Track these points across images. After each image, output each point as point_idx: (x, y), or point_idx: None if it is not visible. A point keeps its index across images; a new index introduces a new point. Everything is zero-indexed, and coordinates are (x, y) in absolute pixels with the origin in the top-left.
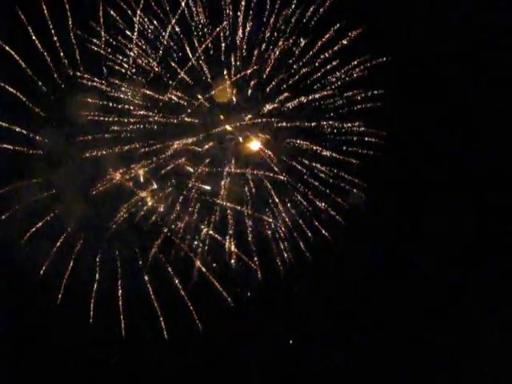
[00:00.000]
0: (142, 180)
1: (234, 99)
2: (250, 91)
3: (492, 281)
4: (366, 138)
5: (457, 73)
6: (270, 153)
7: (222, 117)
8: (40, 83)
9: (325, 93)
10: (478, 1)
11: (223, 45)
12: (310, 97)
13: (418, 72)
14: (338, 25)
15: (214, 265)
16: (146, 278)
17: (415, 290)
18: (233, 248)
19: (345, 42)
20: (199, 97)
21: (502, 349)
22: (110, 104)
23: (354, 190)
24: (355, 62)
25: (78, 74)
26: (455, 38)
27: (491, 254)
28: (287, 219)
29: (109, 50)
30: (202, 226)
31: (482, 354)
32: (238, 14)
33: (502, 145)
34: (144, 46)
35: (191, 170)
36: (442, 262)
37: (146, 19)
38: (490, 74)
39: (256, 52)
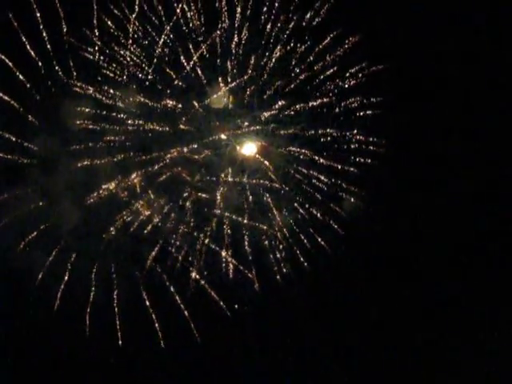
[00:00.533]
0: (138, 189)
1: (230, 105)
2: (246, 98)
3: (492, 281)
4: (364, 146)
5: (456, 78)
6: (266, 162)
7: (217, 123)
8: (34, 91)
9: (322, 100)
10: (478, 3)
11: (219, 51)
12: (308, 104)
13: (417, 78)
14: (335, 32)
15: (211, 276)
16: (142, 287)
17: (415, 296)
18: (229, 258)
19: (341, 49)
20: (195, 103)
21: (502, 349)
22: (105, 112)
23: (352, 199)
24: (353, 70)
25: (72, 81)
26: (454, 43)
27: (491, 254)
28: (284, 229)
29: (102, 58)
30: (199, 235)
31: (482, 354)
32: (234, 20)
33: (504, 149)
34: (138, 53)
35: (187, 178)
36: (442, 266)
37: (140, 27)
38: (491, 77)
39: (252, 58)
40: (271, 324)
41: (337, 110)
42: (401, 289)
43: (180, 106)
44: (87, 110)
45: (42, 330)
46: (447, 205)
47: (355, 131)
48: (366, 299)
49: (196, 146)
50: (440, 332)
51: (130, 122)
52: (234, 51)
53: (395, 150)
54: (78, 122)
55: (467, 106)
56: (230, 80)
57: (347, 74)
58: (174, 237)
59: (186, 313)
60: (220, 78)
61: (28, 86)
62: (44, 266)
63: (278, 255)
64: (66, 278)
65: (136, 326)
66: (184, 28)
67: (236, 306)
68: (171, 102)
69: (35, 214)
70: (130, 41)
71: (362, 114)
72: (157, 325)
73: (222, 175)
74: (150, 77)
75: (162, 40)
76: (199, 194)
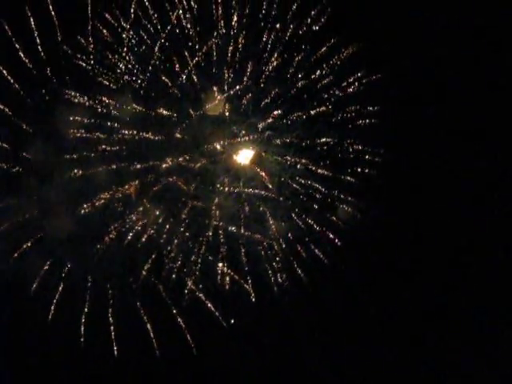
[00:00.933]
0: (133, 198)
1: (226, 113)
2: (242, 106)
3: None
4: (361, 155)
5: (456, 85)
6: (262, 173)
7: (213, 131)
8: (28, 99)
9: (319, 109)
10: (477, 9)
11: (215, 59)
12: (304, 113)
13: (415, 87)
14: (332, 41)
15: (207, 286)
16: (137, 298)
17: (414, 304)
18: (225, 269)
19: (339, 58)
20: (190, 112)
21: (503, 349)
22: (99, 121)
23: (349, 209)
24: (350, 79)
25: (66, 90)
26: (453, 50)
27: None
28: (280, 239)
29: (97, 67)
30: (195, 246)
31: (483, 355)
32: (230, 28)
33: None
34: (133, 62)
35: (183, 187)
36: (441, 273)
37: (135, 35)
38: (490, 84)
39: (249, 66)
40: (268, 335)
41: (334, 118)
42: (400, 298)
43: (175, 114)
44: (81, 118)
45: (36, 339)
46: (446, 212)
47: (352, 140)
48: (364, 309)
49: (191, 155)
50: (440, 339)
51: (124, 131)
52: (230, 59)
53: (393, 158)
54: (72, 131)
55: (467, 114)
56: (226, 88)
57: (344, 83)
58: (169, 248)
59: (181, 323)
60: (216, 86)
61: (22, 94)
62: (38, 276)
63: (275, 265)
64: (61, 287)
65: (131, 336)
66: (179, 36)
67: (232, 321)
68: (166, 112)
69: (29, 223)
70: (125, 49)
71: (359, 122)
72: (152, 335)
73: (218, 184)
74: (144, 85)
75: (157, 48)
76: (195, 203)
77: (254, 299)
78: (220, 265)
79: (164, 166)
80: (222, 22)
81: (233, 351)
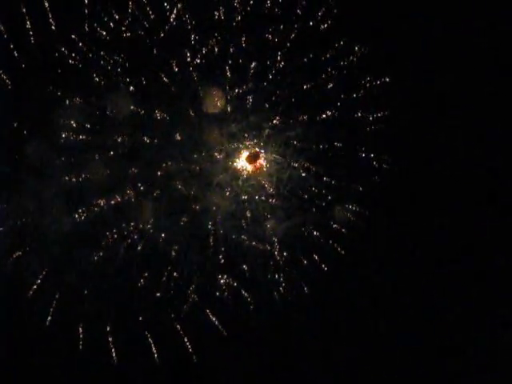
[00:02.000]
0: (131, 201)
1: (227, 114)
2: (243, 107)
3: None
4: (366, 161)
5: (460, 90)
6: (262, 173)
7: (212, 132)
8: (22, 101)
9: (323, 113)
10: (480, 14)
11: (216, 58)
12: (308, 116)
13: (421, 92)
14: (336, 44)
15: (207, 293)
16: (136, 304)
17: (417, 314)
18: (225, 278)
19: (344, 62)
20: (190, 113)
21: (503, 349)
22: (95, 123)
23: (352, 216)
24: (357, 83)
25: (61, 90)
26: (459, 55)
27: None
28: (280, 245)
29: (93, 67)
30: (194, 252)
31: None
32: (233, 28)
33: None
34: (131, 61)
35: (183, 189)
36: (444, 285)
37: (132, 34)
38: (496, 86)
39: (251, 67)
40: (268, 344)
41: (339, 122)
42: (400, 304)
43: (174, 115)
44: (76, 120)
45: (33, 345)
46: (449, 206)
47: (357, 146)
48: (368, 320)
49: (191, 157)
50: (441, 343)
51: (121, 132)
52: (231, 60)
53: (398, 165)
54: (67, 133)
55: (472, 117)
56: (227, 88)
57: (350, 87)
58: (168, 254)
59: (181, 330)
60: (216, 86)
61: (16, 95)
62: (35, 281)
63: (275, 273)
64: (59, 292)
65: (130, 343)
66: (179, 34)
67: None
68: (165, 112)
69: (26, 226)
70: (122, 48)
71: (366, 128)
72: (151, 342)
73: (218, 187)
74: (142, 85)
75: (156, 46)
76: (194, 206)
77: (252, 307)
78: (219, 271)
79: (163, 168)
80: (224, 20)
81: (233, 359)
